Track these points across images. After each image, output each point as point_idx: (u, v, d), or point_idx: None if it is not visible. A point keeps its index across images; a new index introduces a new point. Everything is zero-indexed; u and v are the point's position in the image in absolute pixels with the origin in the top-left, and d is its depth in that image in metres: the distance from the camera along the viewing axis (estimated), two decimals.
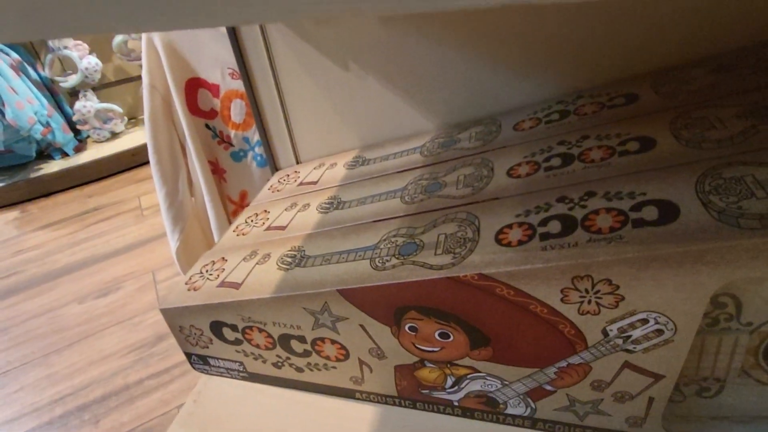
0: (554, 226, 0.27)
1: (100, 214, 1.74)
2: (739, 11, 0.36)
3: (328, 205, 0.42)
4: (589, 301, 0.24)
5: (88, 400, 0.99)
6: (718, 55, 0.37)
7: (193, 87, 0.59)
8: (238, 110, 0.60)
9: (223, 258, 0.41)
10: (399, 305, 0.29)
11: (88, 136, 2.14)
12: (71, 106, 2.05)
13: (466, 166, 0.38)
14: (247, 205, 0.70)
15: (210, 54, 0.57)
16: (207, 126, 0.61)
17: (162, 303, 0.38)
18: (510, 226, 0.28)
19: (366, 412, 0.37)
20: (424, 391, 0.34)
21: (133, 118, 2.28)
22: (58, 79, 1.98)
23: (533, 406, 0.31)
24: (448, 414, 0.35)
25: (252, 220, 0.46)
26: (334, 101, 0.50)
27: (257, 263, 0.37)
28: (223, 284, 0.37)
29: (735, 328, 0.25)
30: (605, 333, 0.25)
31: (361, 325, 0.31)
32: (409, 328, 0.30)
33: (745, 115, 0.29)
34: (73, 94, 2.05)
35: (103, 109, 2.07)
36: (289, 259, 0.36)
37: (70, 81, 1.98)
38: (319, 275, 0.32)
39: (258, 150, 0.62)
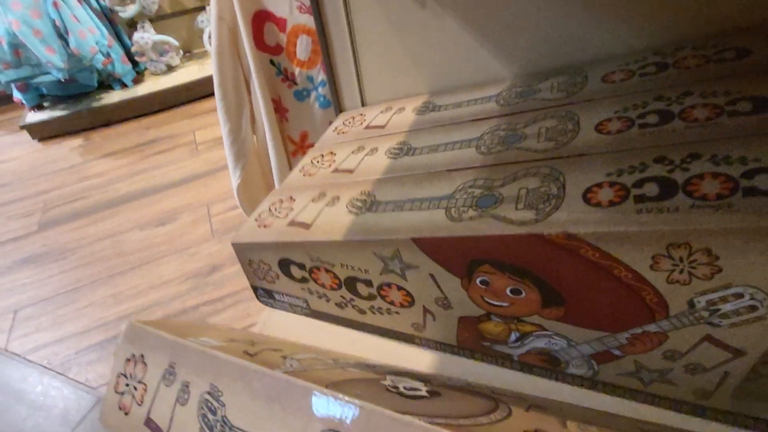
0: (651, 189, 0.25)
1: (158, 146, 1.79)
2: None
3: (397, 151, 0.41)
4: (681, 271, 0.23)
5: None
6: None
7: (261, 20, 0.58)
8: (303, 46, 0.59)
9: (291, 197, 0.41)
10: (474, 258, 0.29)
11: (146, 68, 2.18)
12: (129, 38, 2.07)
13: (549, 119, 0.36)
14: (308, 146, 0.70)
15: None
16: (272, 62, 0.60)
17: (234, 237, 0.39)
18: (600, 185, 0.27)
19: (423, 356, 0.38)
20: (485, 344, 0.34)
21: (188, 52, 2.30)
22: (117, 8, 2.00)
23: (596, 368, 0.31)
24: (506, 367, 0.35)
25: (318, 162, 0.46)
26: (406, 41, 0.48)
27: (326, 205, 0.38)
28: (292, 223, 0.37)
29: None
30: (691, 304, 0.24)
31: (431, 275, 0.31)
32: (481, 281, 0.30)
33: None
34: (131, 25, 2.07)
35: (159, 41, 2.09)
36: (360, 203, 0.36)
37: (129, 11, 1.99)
38: (391, 222, 0.32)
39: (322, 90, 0.61)
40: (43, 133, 2.03)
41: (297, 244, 0.35)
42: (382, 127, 0.47)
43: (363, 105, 0.54)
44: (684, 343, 0.26)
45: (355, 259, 0.34)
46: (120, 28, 2.06)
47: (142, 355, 0.31)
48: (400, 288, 0.34)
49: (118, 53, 2.02)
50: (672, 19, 0.38)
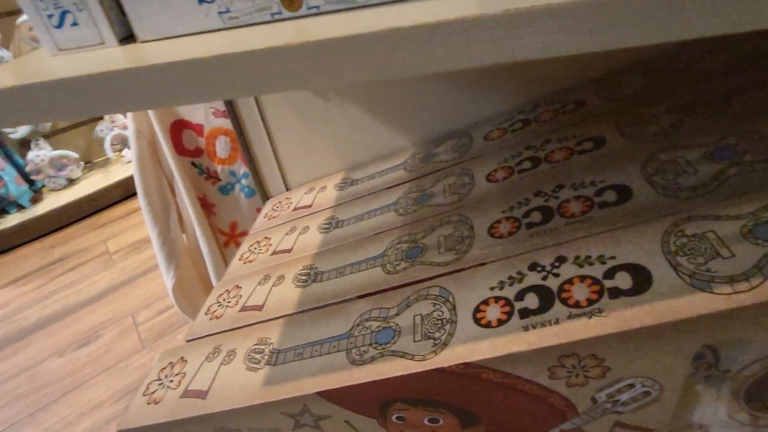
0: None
1: (67, 264, 1.69)
2: None
3: (327, 225, 0.46)
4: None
5: None
6: (643, 60, 0.44)
7: (178, 128, 0.62)
8: (223, 146, 0.64)
9: (237, 286, 0.44)
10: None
11: (44, 186, 2.08)
12: (22, 157, 1.99)
13: (449, 177, 0.43)
14: (239, 235, 0.73)
15: None
16: (193, 164, 0.64)
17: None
18: (499, 221, 0.34)
19: None
20: None
21: (89, 162, 2.23)
22: (5, 130, 1.93)
23: None
24: None
25: (255, 248, 0.49)
26: (318, 129, 0.54)
27: (273, 285, 0.41)
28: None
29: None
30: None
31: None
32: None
33: (672, 111, 0.36)
34: (24, 144, 2.00)
35: (57, 156, 2.03)
36: (305, 277, 0.40)
37: (20, 131, 1.93)
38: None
39: (245, 182, 0.66)
40: None
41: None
42: (309, 206, 0.52)
43: (287, 189, 0.59)
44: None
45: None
46: (10, 149, 1.97)
47: (182, 357, 0.37)
48: None
49: (11, 175, 1.92)
50: (527, 84, 0.48)
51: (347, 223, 0.45)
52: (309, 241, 0.45)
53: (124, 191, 2.02)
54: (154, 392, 0.36)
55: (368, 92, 0.52)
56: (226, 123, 0.61)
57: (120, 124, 2.09)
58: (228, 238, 0.69)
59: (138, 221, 1.86)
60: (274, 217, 0.54)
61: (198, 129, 0.63)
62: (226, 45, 0.21)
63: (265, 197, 0.60)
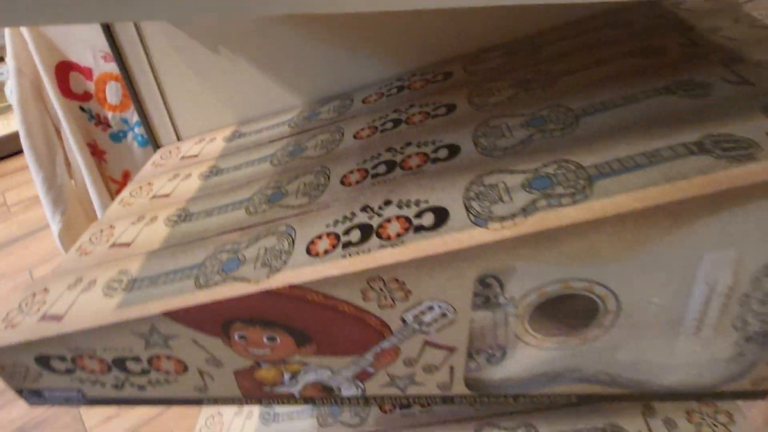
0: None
1: None
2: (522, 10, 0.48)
3: (208, 173, 0.47)
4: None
5: None
6: (509, 41, 0.49)
7: (64, 70, 0.59)
8: (113, 92, 0.62)
9: (111, 226, 0.45)
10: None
11: None
12: None
13: (324, 133, 0.46)
14: None
15: (80, 37, 0.58)
16: (82, 108, 0.62)
17: None
18: (352, 171, 0.37)
19: None
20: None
21: None
22: None
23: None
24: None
25: (136, 193, 0.50)
26: (208, 81, 0.55)
27: (146, 225, 0.42)
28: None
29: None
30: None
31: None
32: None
33: (513, 86, 0.41)
34: None
35: None
36: (175, 218, 0.41)
37: None
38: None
39: (138, 130, 0.65)
40: None
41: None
42: (196, 156, 0.53)
43: (179, 140, 0.59)
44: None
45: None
46: None
47: (45, 288, 0.38)
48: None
49: None
50: (407, 55, 0.52)
51: (226, 171, 0.46)
52: (188, 187, 0.46)
53: None
54: (12, 319, 0.37)
55: (259, 48, 0.53)
56: (117, 68, 0.59)
57: None
58: (120, 187, 0.68)
59: None
60: (160, 165, 0.54)
61: (86, 72, 0.61)
62: None
63: (157, 147, 0.60)
